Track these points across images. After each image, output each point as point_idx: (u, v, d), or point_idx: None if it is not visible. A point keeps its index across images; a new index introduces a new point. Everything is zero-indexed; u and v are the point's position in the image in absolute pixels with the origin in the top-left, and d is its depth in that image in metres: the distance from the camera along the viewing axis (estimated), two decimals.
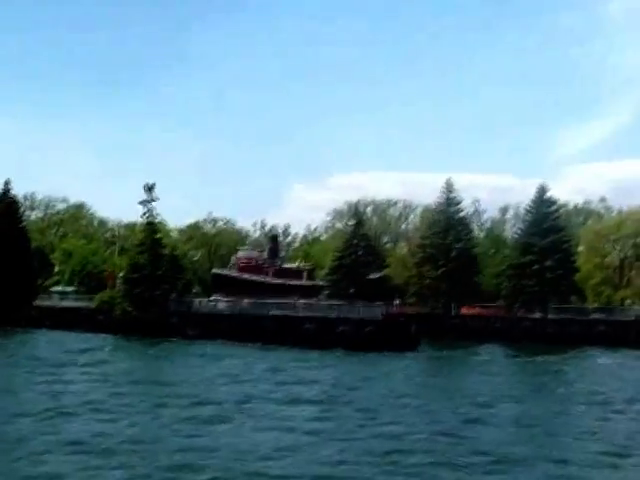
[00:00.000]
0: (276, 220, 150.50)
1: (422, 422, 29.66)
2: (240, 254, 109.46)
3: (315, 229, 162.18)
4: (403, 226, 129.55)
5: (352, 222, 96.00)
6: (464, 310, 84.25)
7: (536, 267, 79.91)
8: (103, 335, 73.90)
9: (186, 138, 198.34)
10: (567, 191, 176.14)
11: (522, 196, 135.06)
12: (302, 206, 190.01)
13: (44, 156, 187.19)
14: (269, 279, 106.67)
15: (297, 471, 21.73)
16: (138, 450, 23.71)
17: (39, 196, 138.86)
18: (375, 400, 35.22)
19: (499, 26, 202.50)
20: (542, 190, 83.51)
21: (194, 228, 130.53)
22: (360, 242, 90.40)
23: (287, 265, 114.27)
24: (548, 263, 79.50)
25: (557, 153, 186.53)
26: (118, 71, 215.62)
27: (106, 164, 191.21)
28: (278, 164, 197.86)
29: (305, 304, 73.08)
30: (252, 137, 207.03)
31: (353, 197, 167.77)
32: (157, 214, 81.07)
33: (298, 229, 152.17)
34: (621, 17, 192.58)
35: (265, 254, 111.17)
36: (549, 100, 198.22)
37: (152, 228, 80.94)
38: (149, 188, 79.48)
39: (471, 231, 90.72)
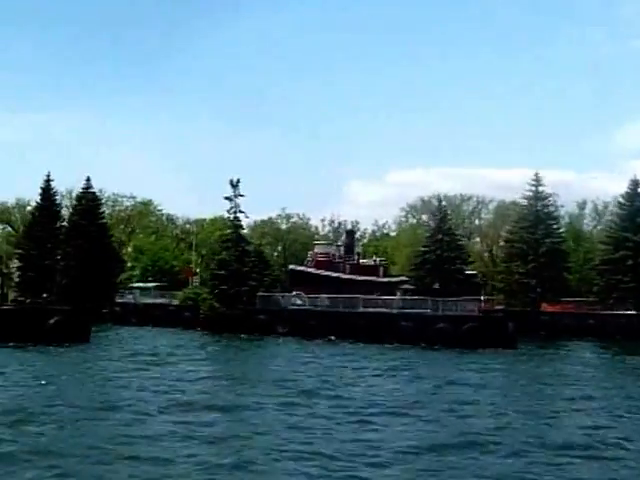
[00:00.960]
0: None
1: None
2: (317, 249, 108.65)
3: (384, 224, 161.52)
4: (477, 221, 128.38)
5: (436, 216, 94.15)
6: (547, 307, 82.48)
7: (630, 262, 78.04)
8: (192, 332, 73.67)
9: (234, 132, 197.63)
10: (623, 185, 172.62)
11: (583, 191, 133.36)
12: (359, 202, 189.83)
13: (98, 152, 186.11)
14: (346, 275, 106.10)
15: None
16: None
17: (106, 193, 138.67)
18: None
19: (558, 17, 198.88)
20: (635, 184, 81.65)
21: (267, 224, 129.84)
22: (444, 237, 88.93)
23: (363, 261, 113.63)
24: None
25: (618, 147, 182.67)
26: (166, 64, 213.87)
27: (163, 160, 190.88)
28: (332, 159, 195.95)
29: (396, 300, 71.65)
30: (301, 131, 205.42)
31: (411, 193, 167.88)
32: (242, 210, 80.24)
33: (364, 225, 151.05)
34: None
35: (341, 250, 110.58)
36: (610, 93, 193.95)
37: (237, 224, 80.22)
38: (234, 184, 78.80)
39: (560, 226, 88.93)
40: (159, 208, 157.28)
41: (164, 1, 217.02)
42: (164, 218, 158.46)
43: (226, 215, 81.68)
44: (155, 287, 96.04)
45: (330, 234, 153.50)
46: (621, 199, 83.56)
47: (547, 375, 44.54)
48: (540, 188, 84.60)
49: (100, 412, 27.47)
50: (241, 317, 74.27)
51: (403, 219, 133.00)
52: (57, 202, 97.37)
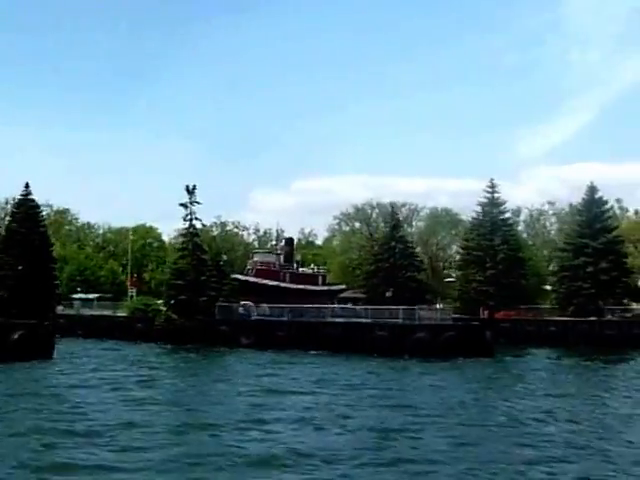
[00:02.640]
0: None
1: None
2: (256, 258, 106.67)
3: (310, 232, 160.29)
4: (409, 229, 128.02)
5: (388, 223, 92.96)
6: (501, 315, 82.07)
7: (590, 269, 78.19)
8: (147, 344, 70.58)
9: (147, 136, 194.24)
10: (528, 194, 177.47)
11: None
12: (262, 210, 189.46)
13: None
14: (286, 284, 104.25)
15: None
16: None
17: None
18: None
19: (460, 26, 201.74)
20: (592, 190, 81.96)
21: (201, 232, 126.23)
22: (398, 245, 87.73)
23: (302, 269, 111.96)
24: (603, 265, 77.75)
25: (518, 155, 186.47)
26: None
27: (69, 165, 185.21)
28: (239, 168, 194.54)
29: (365, 310, 69.96)
30: (214, 138, 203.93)
31: (319, 201, 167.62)
32: (198, 217, 77.55)
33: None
34: (581, 15, 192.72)
35: (281, 258, 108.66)
36: (508, 101, 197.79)
37: (193, 232, 77.41)
38: (190, 190, 76.13)
39: (516, 233, 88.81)
40: (76, 217, 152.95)
41: None
42: (85, 226, 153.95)
43: (182, 222, 78.65)
44: (97, 298, 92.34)
45: (255, 242, 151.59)
46: (579, 206, 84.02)
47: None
48: (495, 195, 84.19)
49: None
50: (201, 328, 71.59)
51: (335, 227, 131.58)
52: None
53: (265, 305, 76.69)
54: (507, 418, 29.82)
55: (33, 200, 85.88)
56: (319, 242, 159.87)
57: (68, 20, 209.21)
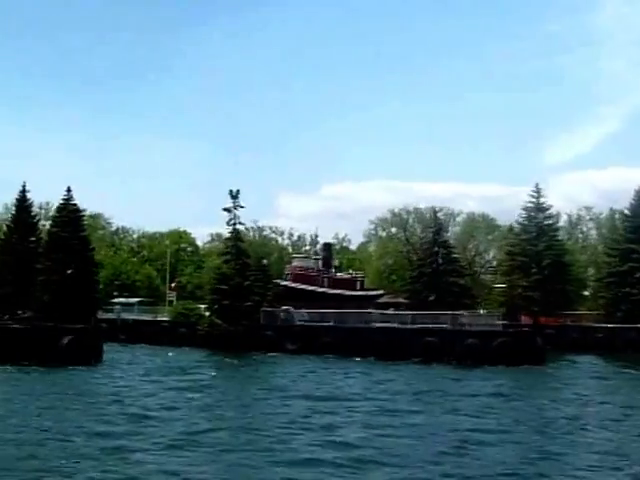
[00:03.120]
0: None
1: None
2: (295, 263, 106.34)
3: (344, 237, 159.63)
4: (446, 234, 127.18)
5: (431, 229, 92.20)
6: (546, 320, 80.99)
7: (638, 275, 77.15)
8: (190, 349, 70.25)
9: (172, 141, 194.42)
10: (556, 199, 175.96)
11: (511, 205, 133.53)
12: (292, 215, 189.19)
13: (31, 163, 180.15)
14: (324, 289, 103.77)
15: None
16: None
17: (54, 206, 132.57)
18: None
19: (487, 33, 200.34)
20: (639, 195, 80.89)
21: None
22: (441, 250, 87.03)
23: (340, 274, 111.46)
24: None
25: (546, 161, 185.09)
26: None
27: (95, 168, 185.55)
28: (265, 172, 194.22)
29: (413, 315, 69.16)
30: (238, 143, 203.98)
31: (346, 206, 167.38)
32: (242, 222, 77.16)
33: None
34: (610, 24, 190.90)
35: (319, 263, 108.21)
36: (537, 108, 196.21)
37: (237, 236, 77.00)
38: (234, 195, 75.71)
39: (561, 238, 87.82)
40: (109, 221, 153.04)
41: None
42: (119, 231, 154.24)
43: (225, 227, 78.08)
44: (138, 302, 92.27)
45: (289, 247, 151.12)
46: (626, 211, 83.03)
47: None
48: (540, 200, 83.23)
49: None
50: (245, 333, 71.15)
51: (372, 232, 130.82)
52: (33, 214, 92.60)
53: (303, 310, 76.30)
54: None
55: (75, 204, 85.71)
56: (353, 247, 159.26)
57: (83, 21, 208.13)
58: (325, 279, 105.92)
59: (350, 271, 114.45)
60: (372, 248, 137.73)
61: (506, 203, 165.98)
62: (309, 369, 54.20)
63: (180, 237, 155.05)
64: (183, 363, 58.81)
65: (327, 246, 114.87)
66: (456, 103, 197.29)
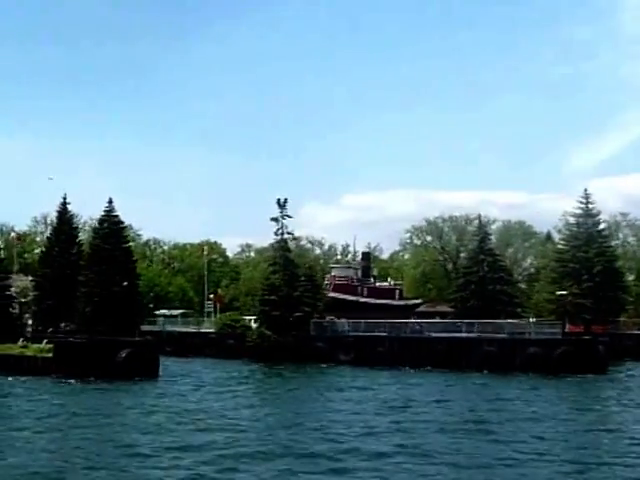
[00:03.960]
0: None
1: None
2: (334, 273, 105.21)
3: (376, 247, 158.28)
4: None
5: (476, 237, 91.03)
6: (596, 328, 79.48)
7: None
8: (239, 361, 69.19)
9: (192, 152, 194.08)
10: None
11: (535, 212, 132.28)
12: (315, 225, 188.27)
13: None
14: (365, 299, 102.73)
15: None
16: None
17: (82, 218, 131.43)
18: None
19: (510, 39, 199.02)
20: None
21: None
22: (487, 258, 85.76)
23: (379, 284, 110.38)
24: None
25: (570, 168, 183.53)
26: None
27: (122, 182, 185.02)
28: (288, 181, 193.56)
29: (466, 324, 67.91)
30: (260, 152, 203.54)
31: (370, 215, 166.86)
32: (290, 232, 76.19)
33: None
34: (632, 29, 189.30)
35: (359, 272, 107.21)
36: (561, 114, 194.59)
37: (285, 246, 76.02)
38: (282, 204, 74.80)
39: (612, 244, 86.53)
40: (138, 233, 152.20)
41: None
42: (150, 242, 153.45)
43: (273, 237, 77.15)
44: (182, 314, 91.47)
45: (321, 257, 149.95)
46: None
47: None
48: (590, 205, 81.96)
49: None
50: (296, 345, 70.13)
51: (407, 240, 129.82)
52: (75, 226, 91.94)
53: (344, 320, 75.27)
54: None
55: (117, 216, 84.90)
56: (384, 256, 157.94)
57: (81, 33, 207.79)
58: (365, 289, 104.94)
59: (389, 280, 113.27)
60: (407, 257, 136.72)
61: (530, 210, 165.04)
62: (375, 381, 52.94)
63: (211, 248, 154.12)
64: (243, 375, 58.05)
65: (366, 255, 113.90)
66: (479, 110, 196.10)
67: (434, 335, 66.42)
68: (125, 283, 74.71)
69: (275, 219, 75.11)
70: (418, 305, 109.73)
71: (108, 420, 33.67)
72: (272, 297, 72.54)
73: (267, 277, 76.22)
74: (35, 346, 57.82)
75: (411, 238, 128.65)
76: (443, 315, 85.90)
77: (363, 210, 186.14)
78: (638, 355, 72.37)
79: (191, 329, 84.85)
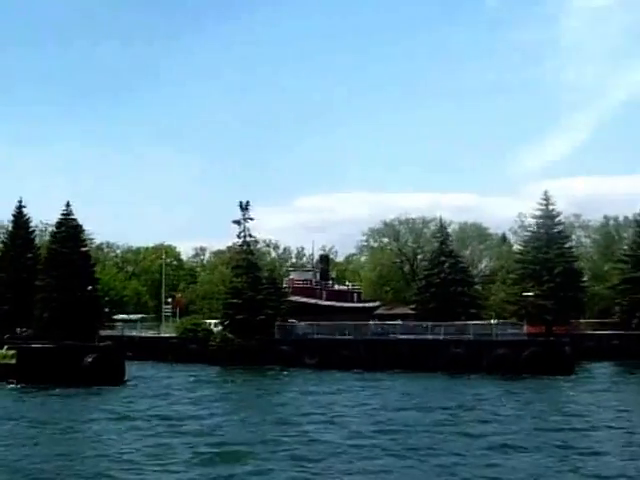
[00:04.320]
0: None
1: None
2: (293, 276, 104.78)
3: (331, 249, 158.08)
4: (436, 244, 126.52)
5: (438, 238, 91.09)
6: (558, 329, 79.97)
7: None
8: (202, 365, 68.37)
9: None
10: (528, 208, 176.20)
11: (485, 214, 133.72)
12: (265, 228, 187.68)
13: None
14: (323, 302, 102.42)
15: None
16: None
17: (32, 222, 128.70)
18: None
19: (456, 44, 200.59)
20: None
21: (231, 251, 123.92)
22: (448, 260, 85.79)
23: (338, 287, 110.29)
24: None
25: (517, 171, 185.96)
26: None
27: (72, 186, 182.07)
28: (241, 185, 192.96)
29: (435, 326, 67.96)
30: (215, 155, 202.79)
31: (321, 218, 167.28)
32: (252, 235, 75.59)
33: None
34: (578, 33, 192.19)
35: (317, 275, 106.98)
36: (508, 119, 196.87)
37: (248, 249, 75.43)
38: (244, 206, 74.27)
39: (572, 245, 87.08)
40: (90, 236, 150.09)
41: None
42: (104, 246, 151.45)
43: (235, 240, 76.58)
44: (142, 319, 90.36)
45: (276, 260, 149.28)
46: (638, 217, 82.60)
47: None
48: (550, 207, 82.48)
49: None
50: (260, 348, 69.59)
51: (364, 243, 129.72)
52: (31, 230, 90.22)
53: (303, 323, 75.04)
54: None
55: (74, 219, 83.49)
56: (339, 259, 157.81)
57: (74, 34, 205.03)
58: (324, 292, 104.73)
59: (347, 283, 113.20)
60: (363, 259, 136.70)
61: (480, 212, 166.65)
62: (347, 385, 52.64)
63: (165, 252, 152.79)
64: (210, 379, 57.53)
65: (324, 258, 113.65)
66: (428, 113, 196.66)
67: (400, 337, 66.29)
68: (90, 287, 73.34)
69: (237, 222, 74.72)
70: (377, 307, 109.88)
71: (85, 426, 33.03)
72: (236, 300, 71.92)
73: (230, 280, 75.54)
74: None
75: (368, 240, 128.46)
76: (403, 317, 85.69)
77: (314, 213, 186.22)
78: (599, 356, 72.60)
79: (151, 334, 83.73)
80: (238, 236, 75.12)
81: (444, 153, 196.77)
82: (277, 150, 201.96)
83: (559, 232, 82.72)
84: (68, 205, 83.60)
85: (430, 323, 68.07)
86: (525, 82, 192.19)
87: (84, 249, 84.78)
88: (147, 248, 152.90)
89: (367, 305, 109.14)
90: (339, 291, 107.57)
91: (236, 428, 32.34)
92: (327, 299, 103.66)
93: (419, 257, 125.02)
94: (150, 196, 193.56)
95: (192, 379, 57.69)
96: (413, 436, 29.62)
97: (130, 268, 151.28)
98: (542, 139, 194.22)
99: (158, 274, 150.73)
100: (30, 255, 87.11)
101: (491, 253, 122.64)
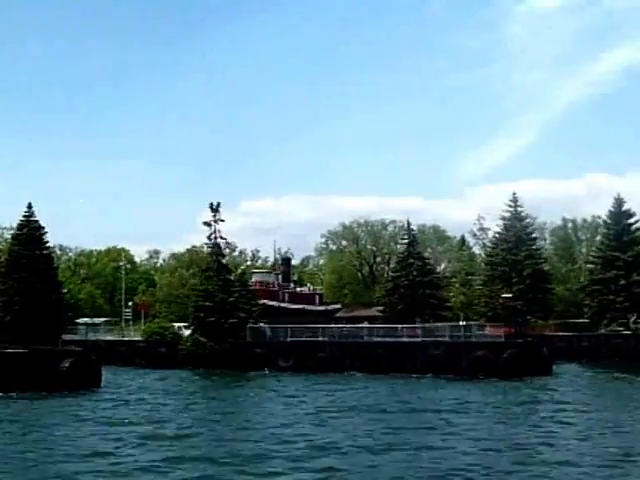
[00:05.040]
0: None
1: None
2: (255, 278, 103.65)
3: (287, 251, 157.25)
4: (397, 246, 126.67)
5: (404, 240, 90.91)
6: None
7: (623, 282, 77.10)
8: (173, 370, 66.98)
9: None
10: (472, 211, 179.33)
11: (431, 217, 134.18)
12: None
13: None
14: (285, 304, 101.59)
15: None
16: None
17: None
18: None
19: (406, 47, 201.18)
20: (619, 203, 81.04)
21: (192, 253, 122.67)
22: (416, 262, 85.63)
23: (300, 289, 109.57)
24: (635, 277, 76.72)
25: (462, 174, 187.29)
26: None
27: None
28: (186, 188, 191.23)
29: (406, 328, 67.59)
30: (163, 159, 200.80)
31: (267, 221, 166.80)
32: (223, 236, 74.43)
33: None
34: (522, 38, 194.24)
35: (279, 277, 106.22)
36: (454, 122, 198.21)
37: (218, 251, 74.26)
38: (215, 208, 73.08)
39: (540, 247, 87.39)
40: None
41: None
42: (56, 249, 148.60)
43: (205, 241, 75.37)
44: (105, 322, 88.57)
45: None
46: (606, 218, 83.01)
47: None
48: (518, 209, 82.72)
49: None
50: (233, 351, 68.52)
51: (323, 245, 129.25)
52: None
53: (266, 326, 74.19)
54: None
55: (37, 221, 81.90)
56: (295, 262, 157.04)
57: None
58: (286, 294, 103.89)
59: (308, 285, 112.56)
60: (322, 262, 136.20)
61: (426, 215, 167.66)
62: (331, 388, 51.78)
63: (118, 254, 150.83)
64: (187, 384, 56.29)
65: (286, 260, 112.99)
66: (374, 117, 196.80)
67: (376, 340, 65.74)
68: (66, 290, 71.56)
69: (207, 223, 73.42)
70: (338, 310, 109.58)
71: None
72: (207, 303, 70.69)
73: (202, 282, 74.20)
74: None
75: (327, 243, 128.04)
76: (369, 320, 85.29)
77: (260, 216, 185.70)
78: (570, 356, 72.95)
79: (116, 337, 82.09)
80: (209, 237, 73.67)
81: (389, 157, 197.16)
82: (226, 156, 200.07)
83: (527, 234, 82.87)
84: (30, 207, 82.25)
85: (408, 325, 67.72)
86: (470, 86, 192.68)
87: (46, 251, 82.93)
88: (100, 251, 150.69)
89: (329, 308, 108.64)
90: (301, 294, 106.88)
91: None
92: (289, 301, 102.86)
93: (378, 259, 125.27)
94: (98, 200, 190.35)
95: (167, 383, 56.43)
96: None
97: (83, 271, 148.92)
98: (486, 143, 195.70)
99: (111, 277, 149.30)
100: None
101: (450, 255, 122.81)
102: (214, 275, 72.79)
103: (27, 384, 48.56)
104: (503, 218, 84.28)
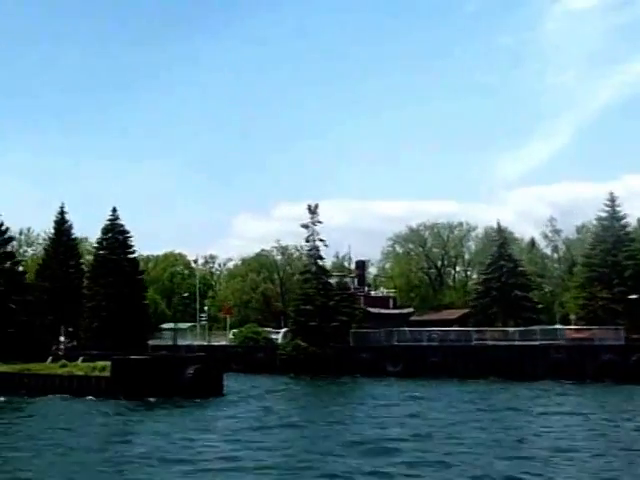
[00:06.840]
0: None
1: None
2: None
3: (344, 256, 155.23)
4: (464, 249, 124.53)
5: (496, 241, 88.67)
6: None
7: None
8: (274, 375, 65.19)
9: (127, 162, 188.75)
10: (507, 215, 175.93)
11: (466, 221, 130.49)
12: (247, 237, 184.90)
13: None
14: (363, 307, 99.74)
15: None
16: None
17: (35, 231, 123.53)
18: None
19: (436, 48, 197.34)
20: None
21: (262, 257, 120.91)
22: (507, 264, 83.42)
23: (374, 292, 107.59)
24: None
25: (497, 177, 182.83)
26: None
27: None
28: (220, 193, 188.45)
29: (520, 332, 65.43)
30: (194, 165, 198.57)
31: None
32: (322, 239, 72.66)
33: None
34: (557, 37, 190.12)
35: (355, 281, 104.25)
36: (486, 124, 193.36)
37: (317, 254, 72.46)
38: (312, 209, 71.36)
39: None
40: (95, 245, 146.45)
41: None
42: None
43: (303, 243, 73.72)
44: (191, 327, 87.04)
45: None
46: None
47: None
48: (617, 209, 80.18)
49: None
50: (336, 356, 66.71)
51: (389, 249, 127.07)
52: (74, 237, 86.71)
53: (371, 330, 72.33)
54: None
55: (122, 225, 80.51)
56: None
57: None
58: (362, 297, 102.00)
59: (382, 289, 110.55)
60: (388, 265, 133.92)
61: (460, 219, 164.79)
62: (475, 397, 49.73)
63: (176, 259, 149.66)
64: (300, 390, 54.75)
65: (360, 264, 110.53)
66: (403, 116, 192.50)
67: (490, 343, 63.70)
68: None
69: (305, 226, 71.80)
70: (412, 313, 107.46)
71: None
72: (307, 307, 68.95)
73: (300, 286, 72.49)
74: (84, 365, 53.36)
75: (394, 246, 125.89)
76: (445, 323, 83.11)
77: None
78: None
79: (205, 343, 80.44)
80: (307, 240, 71.91)
81: (425, 160, 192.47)
82: (252, 160, 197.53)
83: (626, 234, 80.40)
84: (115, 210, 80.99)
85: (521, 329, 65.78)
86: (504, 86, 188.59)
87: (131, 256, 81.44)
88: (157, 256, 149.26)
89: (403, 311, 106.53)
90: (376, 297, 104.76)
91: None
92: (365, 305, 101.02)
93: (445, 262, 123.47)
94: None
95: (287, 390, 54.84)
96: None
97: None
98: (521, 146, 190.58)
99: (168, 282, 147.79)
100: (73, 263, 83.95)
101: (520, 257, 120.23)
102: (313, 278, 70.96)
103: (150, 391, 47.27)
104: (599, 218, 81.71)
